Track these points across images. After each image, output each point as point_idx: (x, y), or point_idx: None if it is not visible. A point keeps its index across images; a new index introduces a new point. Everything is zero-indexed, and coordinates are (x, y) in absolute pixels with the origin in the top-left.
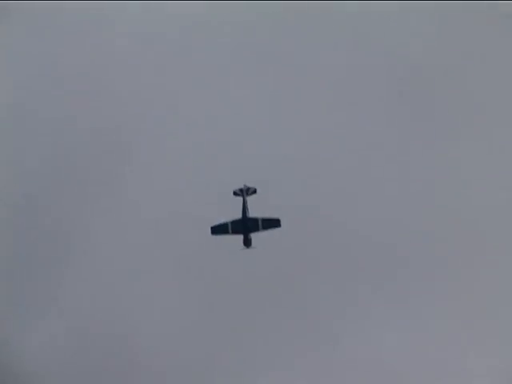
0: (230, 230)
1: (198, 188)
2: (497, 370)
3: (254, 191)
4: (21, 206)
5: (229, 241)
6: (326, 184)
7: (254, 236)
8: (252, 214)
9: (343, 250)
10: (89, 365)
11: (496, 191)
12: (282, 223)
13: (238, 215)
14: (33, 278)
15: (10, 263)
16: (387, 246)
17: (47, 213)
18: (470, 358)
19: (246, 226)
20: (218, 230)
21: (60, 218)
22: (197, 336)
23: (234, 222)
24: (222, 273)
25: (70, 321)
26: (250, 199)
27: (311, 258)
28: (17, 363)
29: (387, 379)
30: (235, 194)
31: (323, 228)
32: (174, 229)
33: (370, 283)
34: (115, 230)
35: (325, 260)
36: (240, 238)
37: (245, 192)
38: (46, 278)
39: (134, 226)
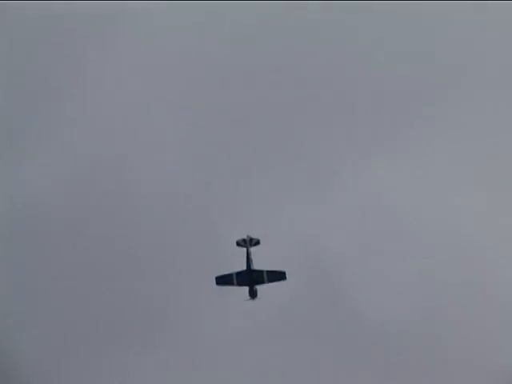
0: (235, 282)
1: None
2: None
3: (258, 242)
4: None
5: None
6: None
7: None
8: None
9: (341, 90)
10: (85, 204)
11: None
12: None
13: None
14: (31, 111)
15: (8, 95)
16: (385, 83)
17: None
18: (467, 196)
19: (250, 279)
20: (223, 280)
21: (56, 53)
22: (196, 172)
23: (239, 274)
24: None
25: (67, 155)
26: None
27: (308, 99)
28: (14, 199)
29: (384, 215)
30: (238, 244)
31: (321, 72)
32: (171, 62)
33: (367, 122)
34: (112, 64)
35: (321, 103)
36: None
37: (248, 243)
38: (43, 112)
39: (133, 61)
